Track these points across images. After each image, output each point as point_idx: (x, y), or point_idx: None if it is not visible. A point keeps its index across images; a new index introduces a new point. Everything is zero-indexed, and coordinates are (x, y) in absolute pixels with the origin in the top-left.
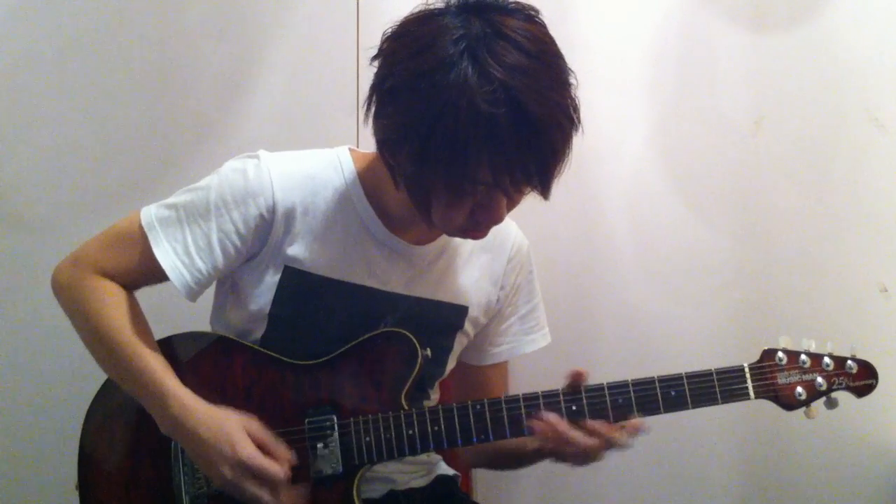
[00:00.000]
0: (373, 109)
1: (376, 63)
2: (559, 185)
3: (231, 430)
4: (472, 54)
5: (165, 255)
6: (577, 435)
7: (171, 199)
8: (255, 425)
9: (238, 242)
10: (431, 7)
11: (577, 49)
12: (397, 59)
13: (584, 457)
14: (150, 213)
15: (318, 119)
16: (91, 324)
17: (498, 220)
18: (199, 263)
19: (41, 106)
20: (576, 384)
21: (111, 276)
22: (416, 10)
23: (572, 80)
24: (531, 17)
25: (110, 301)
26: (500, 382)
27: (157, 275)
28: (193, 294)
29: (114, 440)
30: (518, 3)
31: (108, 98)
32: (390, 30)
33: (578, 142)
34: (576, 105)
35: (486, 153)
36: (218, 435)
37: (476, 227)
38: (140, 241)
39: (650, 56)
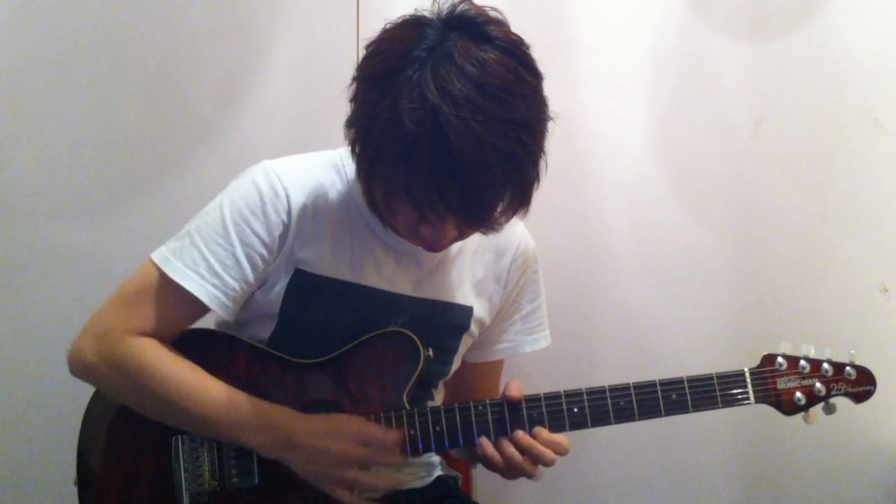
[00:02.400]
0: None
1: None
2: (559, 186)
3: (338, 419)
4: (420, 70)
5: (193, 282)
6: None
7: (178, 234)
8: (355, 419)
9: (265, 253)
10: (425, 14)
11: (577, 50)
12: (369, 53)
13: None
14: (161, 252)
15: (319, 119)
16: (152, 388)
17: (441, 240)
18: (230, 281)
19: (41, 106)
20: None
21: (144, 333)
22: (415, 12)
23: (540, 124)
24: (508, 52)
25: (160, 358)
26: (494, 380)
27: (190, 311)
28: (231, 312)
29: (113, 436)
30: (506, 35)
31: (109, 98)
32: (388, 24)
33: (579, 143)
34: (527, 149)
35: (404, 169)
36: (331, 426)
37: (424, 241)
38: (162, 285)
39: (650, 57)
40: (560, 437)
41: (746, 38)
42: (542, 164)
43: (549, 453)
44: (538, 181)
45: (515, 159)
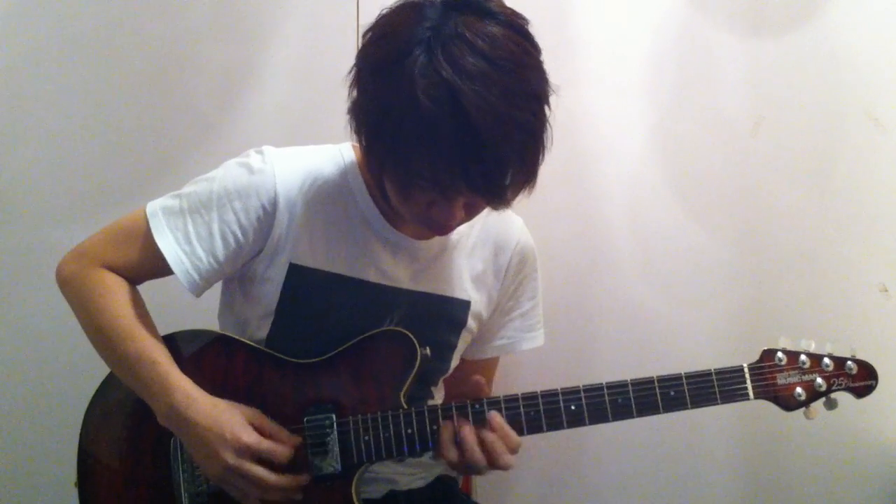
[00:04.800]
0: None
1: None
2: (559, 185)
3: (233, 418)
4: (429, 49)
5: (167, 243)
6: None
7: (177, 191)
8: (256, 414)
9: (238, 233)
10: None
11: (577, 49)
12: (370, 40)
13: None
14: (154, 204)
15: (319, 118)
16: (93, 315)
17: (452, 220)
18: (200, 252)
19: (41, 106)
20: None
21: (115, 270)
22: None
23: (547, 96)
24: (512, 26)
25: (112, 293)
26: (489, 377)
27: (160, 266)
28: (195, 286)
29: (113, 438)
30: (506, 10)
31: (109, 98)
32: (385, 10)
33: (579, 142)
34: (540, 121)
35: (424, 150)
36: (220, 422)
37: (434, 224)
38: (144, 233)
39: (650, 57)
40: (511, 431)
41: (746, 38)
42: (547, 136)
43: (499, 444)
44: (544, 155)
45: (531, 130)
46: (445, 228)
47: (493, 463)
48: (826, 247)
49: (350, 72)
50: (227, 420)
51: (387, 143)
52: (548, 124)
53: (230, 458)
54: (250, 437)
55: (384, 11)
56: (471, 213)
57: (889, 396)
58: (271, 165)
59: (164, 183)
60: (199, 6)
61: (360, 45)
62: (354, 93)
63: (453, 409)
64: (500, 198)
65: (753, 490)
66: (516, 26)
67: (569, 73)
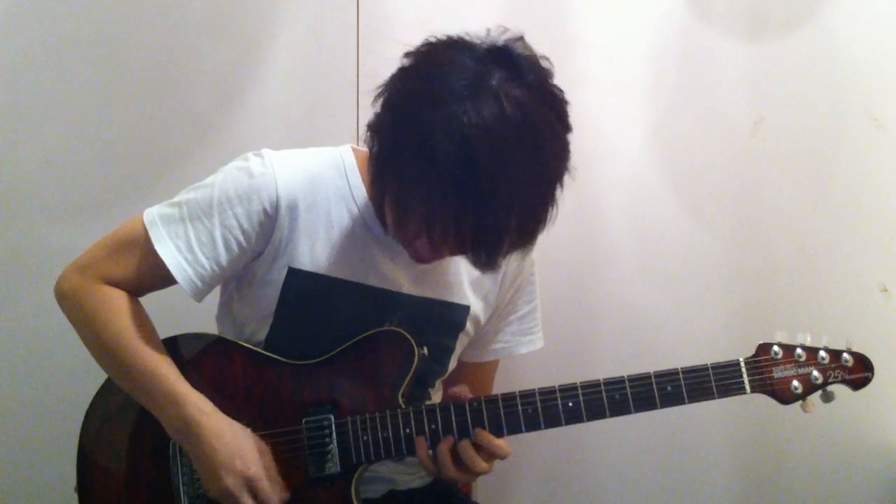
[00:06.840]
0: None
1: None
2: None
3: (245, 446)
4: (461, 102)
5: (168, 252)
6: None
7: (174, 199)
8: (265, 449)
9: (241, 238)
10: (466, 39)
11: (576, 49)
12: (408, 69)
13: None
14: (152, 213)
15: (319, 119)
16: (95, 331)
17: (433, 258)
18: (203, 259)
19: (41, 106)
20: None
21: (116, 283)
22: (457, 36)
23: (562, 178)
24: (548, 104)
25: (115, 308)
26: (489, 379)
27: (162, 276)
28: (198, 292)
29: (113, 441)
30: (548, 84)
31: (108, 98)
32: (433, 38)
33: (578, 142)
34: (545, 205)
35: (424, 189)
36: (232, 446)
37: (415, 255)
38: (144, 243)
39: (650, 56)
40: (500, 443)
41: (746, 38)
42: (551, 216)
43: (477, 461)
44: (543, 231)
45: (535, 213)
46: (425, 261)
47: (467, 466)
48: (826, 246)
49: (380, 88)
50: (239, 446)
51: (394, 173)
52: (555, 205)
53: (231, 483)
54: (257, 472)
55: (430, 41)
56: (455, 255)
57: (889, 396)
58: (272, 168)
59: (163, 183)
60: (198, 6)
61: (360, 46)
62: (379, 109)
63: (451, 407)
64: (481, 253)
65: (752, 488)
66: (553, 105)
67: (569, 73)
